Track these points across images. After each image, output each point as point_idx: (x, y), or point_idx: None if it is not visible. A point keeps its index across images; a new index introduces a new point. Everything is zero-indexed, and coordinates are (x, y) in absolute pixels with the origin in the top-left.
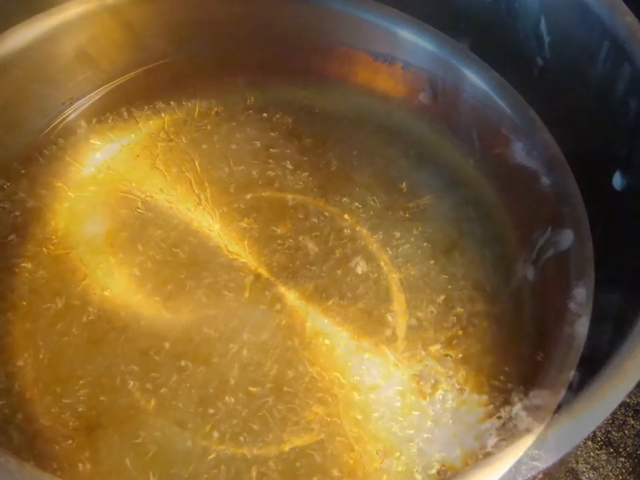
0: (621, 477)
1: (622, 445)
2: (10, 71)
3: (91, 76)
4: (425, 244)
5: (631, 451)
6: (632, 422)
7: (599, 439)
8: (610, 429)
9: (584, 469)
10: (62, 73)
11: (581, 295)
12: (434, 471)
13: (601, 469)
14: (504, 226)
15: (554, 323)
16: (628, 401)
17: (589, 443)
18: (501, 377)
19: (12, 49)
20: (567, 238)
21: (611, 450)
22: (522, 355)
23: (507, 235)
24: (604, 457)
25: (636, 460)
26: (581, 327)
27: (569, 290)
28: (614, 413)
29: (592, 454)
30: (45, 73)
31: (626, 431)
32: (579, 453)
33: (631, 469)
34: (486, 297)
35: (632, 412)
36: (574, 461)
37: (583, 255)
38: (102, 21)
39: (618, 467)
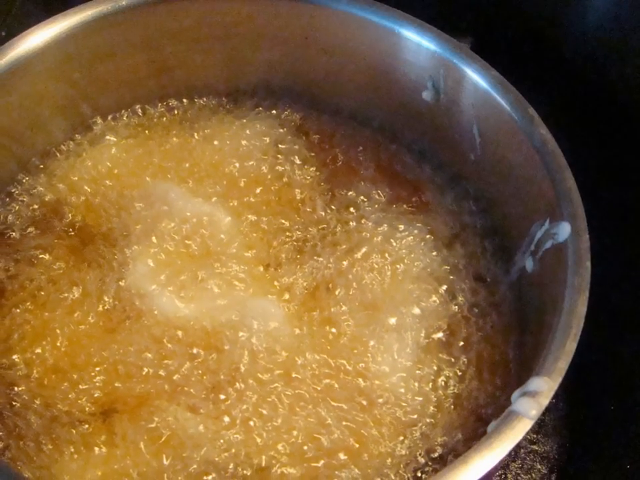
0: None
1: None
2: (29, 70)
3: (107, 75)
4: (427, 236)
5: None
6: (539, 466)
7: None
8: (519, 472)
9: None
10: (79, 72)
11: (579, 285)
12: (436, 455)
13: None
14: (504, 219)
15: (552, 312)
16: (537, 449)
17: None
18: (501, 364)
19: (31, 49)
20: (564, 230)
21: None
22: (521, 343)
23: (506, 227)
24: None
25: None
26: (579, 316)
27: (566, 280)
28: (523, 458)
29: None
30: (63, 72)
31: (533, 474)
32: None
33: None
34: (486, 287)
35: (539, 458)
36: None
37: (580, 247)
38: (117, 23)
39: None
